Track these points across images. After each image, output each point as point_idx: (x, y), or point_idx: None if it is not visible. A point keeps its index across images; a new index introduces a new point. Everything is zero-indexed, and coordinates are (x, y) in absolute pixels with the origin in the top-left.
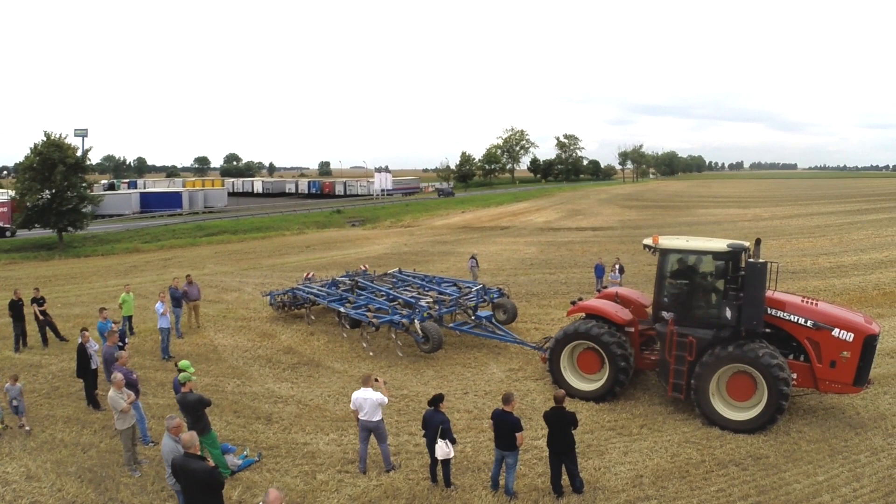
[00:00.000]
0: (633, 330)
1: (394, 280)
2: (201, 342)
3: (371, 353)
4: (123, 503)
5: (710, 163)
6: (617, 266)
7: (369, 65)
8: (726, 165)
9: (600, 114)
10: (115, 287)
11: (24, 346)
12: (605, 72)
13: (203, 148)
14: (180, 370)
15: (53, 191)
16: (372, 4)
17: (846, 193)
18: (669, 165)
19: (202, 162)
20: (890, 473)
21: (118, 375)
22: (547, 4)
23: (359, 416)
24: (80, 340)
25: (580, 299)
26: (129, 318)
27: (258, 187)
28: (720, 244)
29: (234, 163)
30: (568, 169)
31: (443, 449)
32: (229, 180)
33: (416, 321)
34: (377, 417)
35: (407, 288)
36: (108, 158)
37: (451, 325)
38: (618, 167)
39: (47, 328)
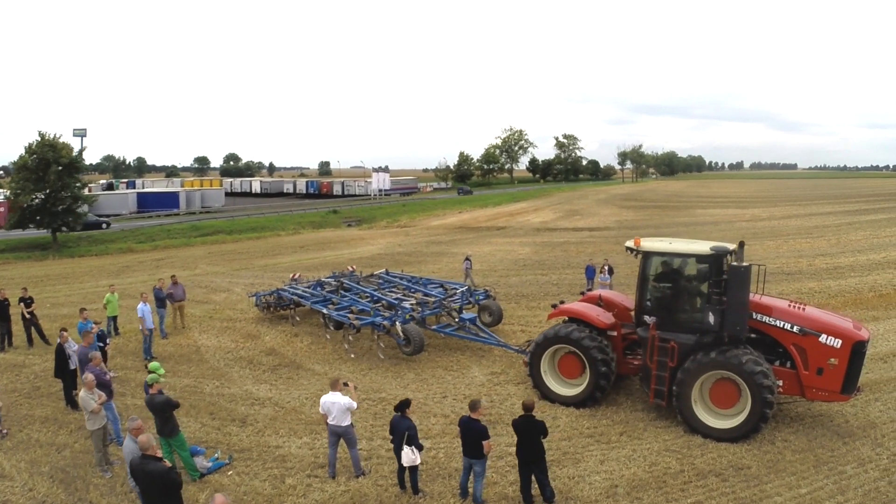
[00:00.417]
0: (615, 334)
1: (380, 281)
2: (185, 343)
3: (352, 356)
4: (92, 503)
5: (710, 163)
6: (606, 267)
7: (369, 64)
8: (726, 165)
9: (600, 114)
10: (106, 287)
11: (10, 346)
12: (605, 72)
13: (203, 148)
14: (149, 371)
15: (48, 191)
16: (372, 4)
17: (845, 194)
18: (669, 165)
19: (202, 162)
20: (877, 486)
21: (89, 376)
22: (547, 4)
23: (327, 421)
24: (58, 341)
25: (562, 302)
26: (114, 318)
27: (256, 187)
28: (703, 247)
29: (235, 163)
30: (567, 169)
31: (409, 456)
32: (227, 180)
33: (397, 323)
34: (346, 422)
35: (392, 289)
36: (108, 158)
37: (434, 327)
38: (617, 167)
39: (33, 328)
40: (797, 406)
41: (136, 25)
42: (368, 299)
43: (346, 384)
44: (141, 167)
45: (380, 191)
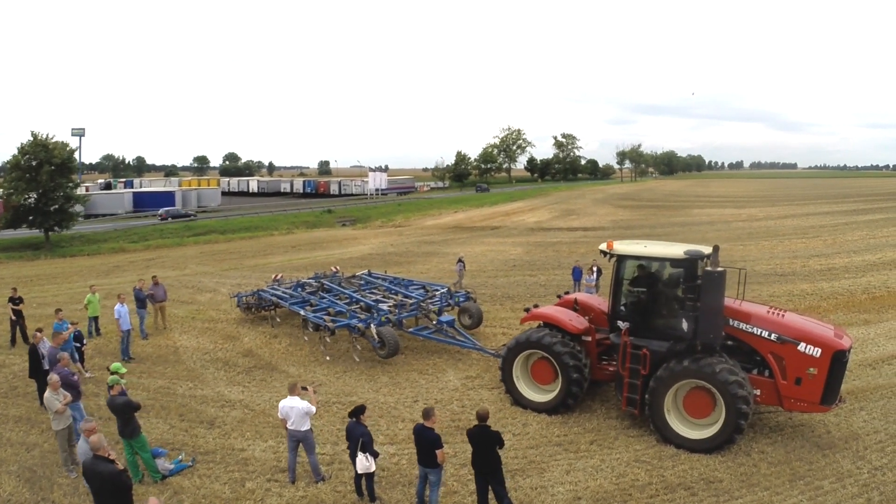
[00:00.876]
0: (589, 339)
1: (361, 282)
2: (164, 343)
3: (328, 358)
4: (55, 503)
5: (710, 162)
6: (595, 269)
7: (370, 64)
8: (726, 165)
9: (601, 113)
10: (97, 287)
11: None
12: (606, 71)
13: (203, 147)
14: (112, 372)
15: (40, 191)
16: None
17: (844, 193)
18: (668, 165)
19: (201, 161)
20: (855, 503)
21: (54, 377)
22: (548, 4)
23: (287, 426)
24: (32, 341)
25: (535, 306)
26: (96, 318)
27: (253, 187)
28: (677, 250)
29: (234, 162)
30: (566, 168)
31: (363, 463)
32: (224, 180)
33: (372, 326)
34: (305, 427)
35: (373, 290)
36: (108, 157)
37: (410, 329)
38: (616, 167)
39: (17, 329)
40: (777, 415)
41: (137, 25)
42: (347, 301)
43: (304, 388)
44: (140, 166)
45: (376, 190)
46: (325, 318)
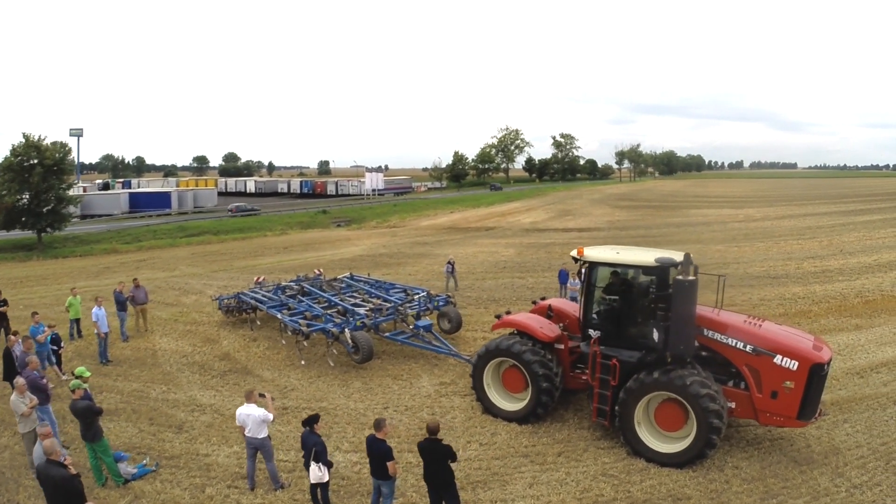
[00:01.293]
0: (562, 347)
1: (342, 286)
2: (144, 346)
3: (303, 362)
4: None
5: (711, 162)
6: (583, 271)
7: (370, 63)
8: (726, 165)
9: (601, 113)
10: (83, 289)
11: None
12: (606, 71)
13: (202, 147)
14: (76, 376)
15: (32, 192)
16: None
17: (843, 193)
18: (668, 165)
19: (201, 161)
20: None
21: (20, 380)
22: (548, 3)
23: (244, 433)
24: (6, 344)
25: (507, 312)
26: (77, 321)
27: (251, 187)
28: (648, 257)
29: (234, 162)
30: (564, 168)
31: (315, 472)
32: (222, 180)
33: (346, 330)
34: (262, 434)
35: (353, 294)
36: (108, 158)
37: (386, 334)
38: (615, 167)
39: (2, 330)
40: (755, 428)
41: (137, 24)
42: (325, 304)
43: (262, 395)
44: (140, 166)
45: (373, 190)
46: (301, 322)
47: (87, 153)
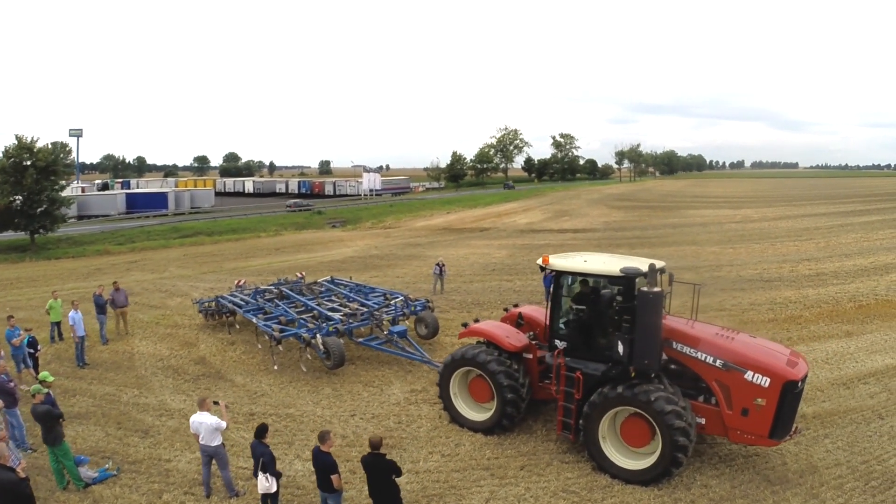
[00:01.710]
0: (530, 357)
1: (322, 289)
2: (122, 350)
3: (276, 367)
4: None
5: (711, 162)
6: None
7: (370, 63)
8: (727, 164)
9: (602, 113)
10: (71, 291)
11: None
12: (607, 71)
13: (203, 147)
14: (39, 381)
15: (25, 193)
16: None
17: (843, 193)
18: (668, 164)
19: (202, 161)
20: None
21: None
22: (548, 3)
23: (198, 441)
24: None
25: (476, 321)
26: (58, 324)
27: (249, 187)
28: (613, 267)
29: (234, 162)
30: (564, 168)
31: (263, 483)
32: (220, 180)
33: (318, 336)
34: (215, 442)
35: (332, 298)
36: (108, 158)
37: (360, 340)
38: (615, 167)
39: None
40: (729, 444)
41: (137, 24)
42: (302, 309)
43: (216, 403)
44: (141, 166)
45: (371, 191)
46: (274, 326)
47: (89, 153)
